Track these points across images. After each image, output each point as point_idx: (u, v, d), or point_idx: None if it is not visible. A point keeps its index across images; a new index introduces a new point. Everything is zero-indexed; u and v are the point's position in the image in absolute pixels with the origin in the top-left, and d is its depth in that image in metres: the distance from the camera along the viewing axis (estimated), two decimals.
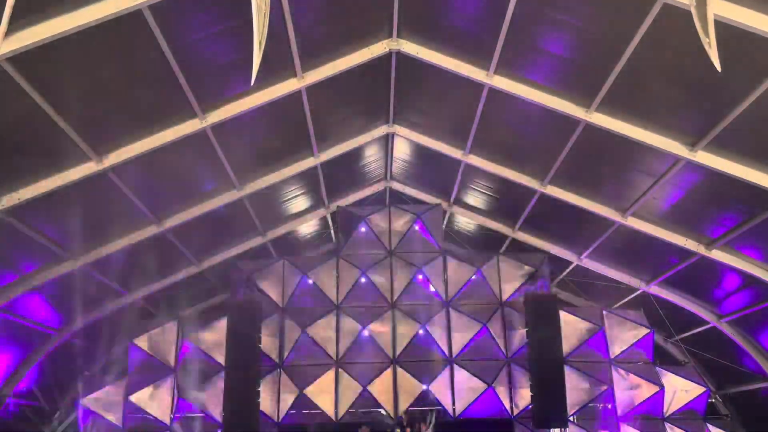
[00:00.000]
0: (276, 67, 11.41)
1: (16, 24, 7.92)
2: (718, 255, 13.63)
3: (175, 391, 16.24)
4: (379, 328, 16.84)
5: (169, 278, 16.99)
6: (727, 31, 8.07)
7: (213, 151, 12.77)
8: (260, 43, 4.48)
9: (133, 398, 16.00)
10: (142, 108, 10.91)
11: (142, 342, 16.57)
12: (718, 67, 4.43)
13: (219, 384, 15.67)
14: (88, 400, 16.12)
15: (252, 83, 6.53)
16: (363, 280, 17.24)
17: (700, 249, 13.80)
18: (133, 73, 9.97)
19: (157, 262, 16.07)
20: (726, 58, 5.22)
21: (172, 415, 16.15)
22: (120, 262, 14.70)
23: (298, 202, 17.52)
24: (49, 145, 10.36)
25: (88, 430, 15.98)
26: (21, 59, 8.34)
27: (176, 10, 9.09)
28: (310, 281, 17.32)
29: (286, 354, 16.60)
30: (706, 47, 4.34)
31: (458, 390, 16.37)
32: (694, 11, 4.33)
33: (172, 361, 16.54)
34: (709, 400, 16.88)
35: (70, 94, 9.61)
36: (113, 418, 16.12)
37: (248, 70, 6.17)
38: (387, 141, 16.51)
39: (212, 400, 16.11)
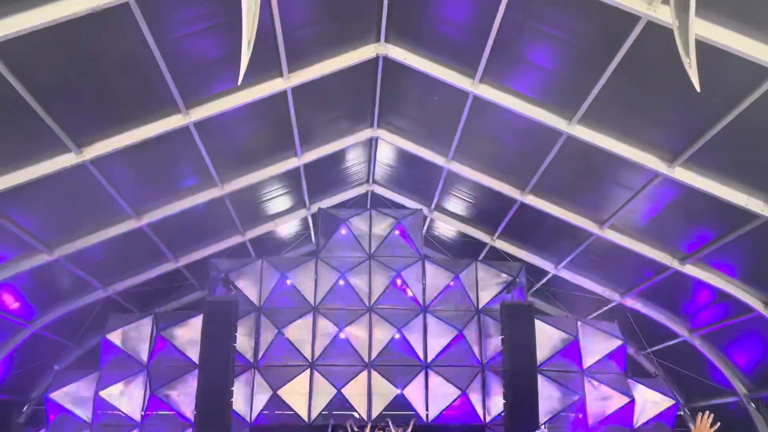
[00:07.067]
0: (262, 66, 11.38)
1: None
2: (691, 270, 13.84)
3: (147, 388, 16.10)
4: (355, 331, 16.86)
5: (146, 274, 16.82)
6: (708, 51, 8.25)
7: (195, 148, 12.68)
8: (249, 42, 4.48)
9: (104, 394, 15.84)
10: (125, 101, 10.81)
11: (115, 337, 16.41)
12: (698, 88, 4.51)
13: (192, 382, 15.56)
14: (58, 395, 15.91)
15: (239, 83, 6.53)
16: (341, 282, 17.25)
17: (674, 263, 14.01)
18: (117, 65, 9.87)
19: (134, 257, 15.93)
20: (706, 77, 5.33)
21: (142, 413, 16.00)
22: (96, 255, 14.53)
23: (279, 202, 17.46)
24: (28, 135, 10.21)
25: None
26: (3, 47, 8.23)
27: (164, 4, 9.05)
28: (288, 282, 17.30)
29: (261, 354, 16.55)
30: (687, 67, 4.42)
31: (432, 395, 16.45)
32: (676, 31, 4.42)
33: (145, 357, 16.39)
34: (678, 413, 17.16)
35: (52, 84, 9.50)
36: (82, 413, 15.94)
37: (234, 67, 6.15)
38: (371, 145, 16.54)
39: (184, 398, 16.01)
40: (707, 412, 4.50)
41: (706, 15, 8.16)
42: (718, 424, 4.47)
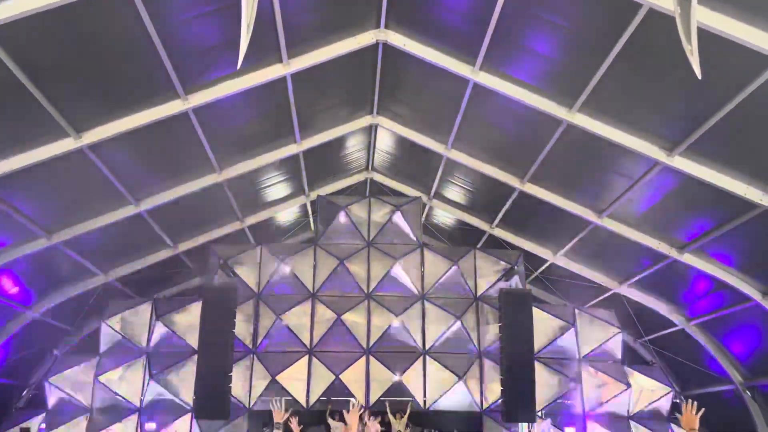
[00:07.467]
0: (262, 52, 11.33)
1: None
2: (689, 259, 13.87)
3: (146, 373, 16.16)
4: (354, 318, 16.90)
5: (145, 260, 16.85)
6: (710, 39, 8.21)
7: (194, 134, 12.66)
8: (248, 26, 4.46)
9: (103, 379, 15.90)
10: (124, 86, 10.77)
11: (114, 323, 16.46)
12: (699, 75, 4.51)
13: (191, 367, 15.63)
14: (57, 379, 15.97)
15: (238, 67, 6.50)
16: (340, 269, 17.26)
17: (672, 252, 14.03)
18: (116, 50, 9.82)
19: (133, 243, 15.94)
20: (707, 65, 5.31)
21: (142, 397, 16.08)
22: (95, 241, 14.53)
23: (278, 188, 17.46)
24: (27, 120, 10.18)
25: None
26: (1, 31, 8.18)
27: None
28: (287, 268, 17.31)
29: (259, 340, 16.60)
30: (688, 54, 4.42)
31: (430, 382, 16.52)
32: (678, 18, 4.41)
33: (144, 342, 16.45)
34: (674, 401, 17.26)
35: (51, 69, 9.46)
36: (82, 398, 16.02)
37: (233, 53, 6.11)
38: (370, 132, 16.51)
39: (183, 383, 16.08)
40: (690, 400, 4.57)
41: (708, 3, 8.12)
42: (702, 410, 4.53)
